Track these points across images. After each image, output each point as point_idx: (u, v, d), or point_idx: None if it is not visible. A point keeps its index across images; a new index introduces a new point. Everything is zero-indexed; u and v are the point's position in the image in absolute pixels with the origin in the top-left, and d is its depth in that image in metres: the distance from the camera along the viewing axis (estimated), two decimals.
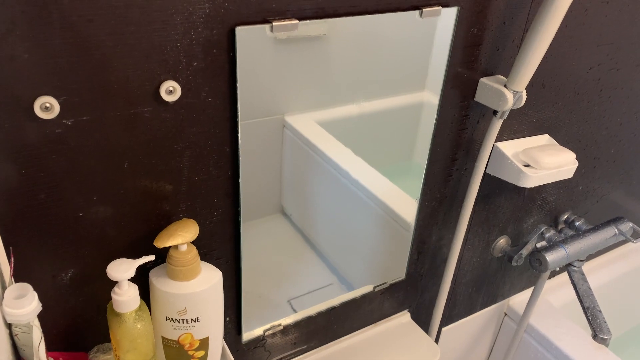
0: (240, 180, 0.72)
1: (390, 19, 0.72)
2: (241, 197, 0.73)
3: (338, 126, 0.79)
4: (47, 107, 0.54)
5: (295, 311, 0.94)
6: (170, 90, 0.60)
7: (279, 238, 0.84)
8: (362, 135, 0.82)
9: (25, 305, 0.54)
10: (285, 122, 0.72)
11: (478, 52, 0.85)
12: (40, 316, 0.58)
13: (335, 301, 0.98)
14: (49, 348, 0.70)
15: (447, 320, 1.26)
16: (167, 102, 0.61)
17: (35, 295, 0.55)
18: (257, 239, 0.79)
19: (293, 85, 0.70)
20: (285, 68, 0.68)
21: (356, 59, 0.73)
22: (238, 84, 0.64)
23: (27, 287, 0.56)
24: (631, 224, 1.18)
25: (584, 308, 1.08)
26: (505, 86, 0.85)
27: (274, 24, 0.62)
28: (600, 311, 1.07)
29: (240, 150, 0.69)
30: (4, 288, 0.57)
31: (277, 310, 0.92)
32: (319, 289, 0.95)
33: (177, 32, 0.58)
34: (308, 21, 0.65)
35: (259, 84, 0.67)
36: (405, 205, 0.96)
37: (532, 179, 0.95)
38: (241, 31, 0.61)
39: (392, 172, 0.90)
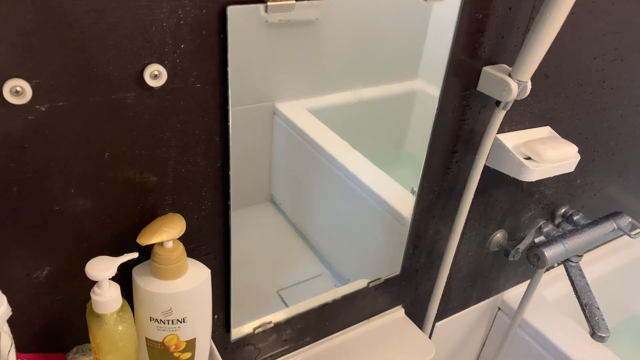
0: (231, 172, 0.67)
1: (384, 4, 0.68)
2: (231, 190, 0.69)
3: (329, 114, 0.75)
4: (17, 91, 0.49)
5: (284, 302, 0.90)
6: (156, 75, 0.55)
7: (268, 227, 0.81)
8: (353, 123, 0.79)
9: None
10: (276, 109, 0.69)
11: (482, 39, 0.81)
12: (14, 317, 0.54)
13: (328, 297, 0.94)
14: (24, 350, 0.66)
15: (440, 315, 1.23)
16: (151, 88, 0.56)
17: (4, 299, 0.50)
18: (244, 227, 0.76)
19: (284, 71, 0.66)
20: (277, 53, 0.63)
21: (349, 45, 0.69)
22: (229, 69, 0.59)
23: None
24: (630, 219, 1.15)
25: (581, 305, 1.06)
26: (509, 75, 0.81)
27: (268, 3, 0.58)
28: (598, 308, 1.04)
29: (230, 141, 0.65)
30: None
31: (265, 302, 0.88)
32: (309, 279, 0.91)
33: (163, 11, 0.53)
34: (305, 2, 0.60)
35: (249, 69, 0.62)
36: (400, 197, 0.92)
37: (534, 173, 0.92)
38: (233, 11, 0.56)
39: (383, 160, 0.87)
